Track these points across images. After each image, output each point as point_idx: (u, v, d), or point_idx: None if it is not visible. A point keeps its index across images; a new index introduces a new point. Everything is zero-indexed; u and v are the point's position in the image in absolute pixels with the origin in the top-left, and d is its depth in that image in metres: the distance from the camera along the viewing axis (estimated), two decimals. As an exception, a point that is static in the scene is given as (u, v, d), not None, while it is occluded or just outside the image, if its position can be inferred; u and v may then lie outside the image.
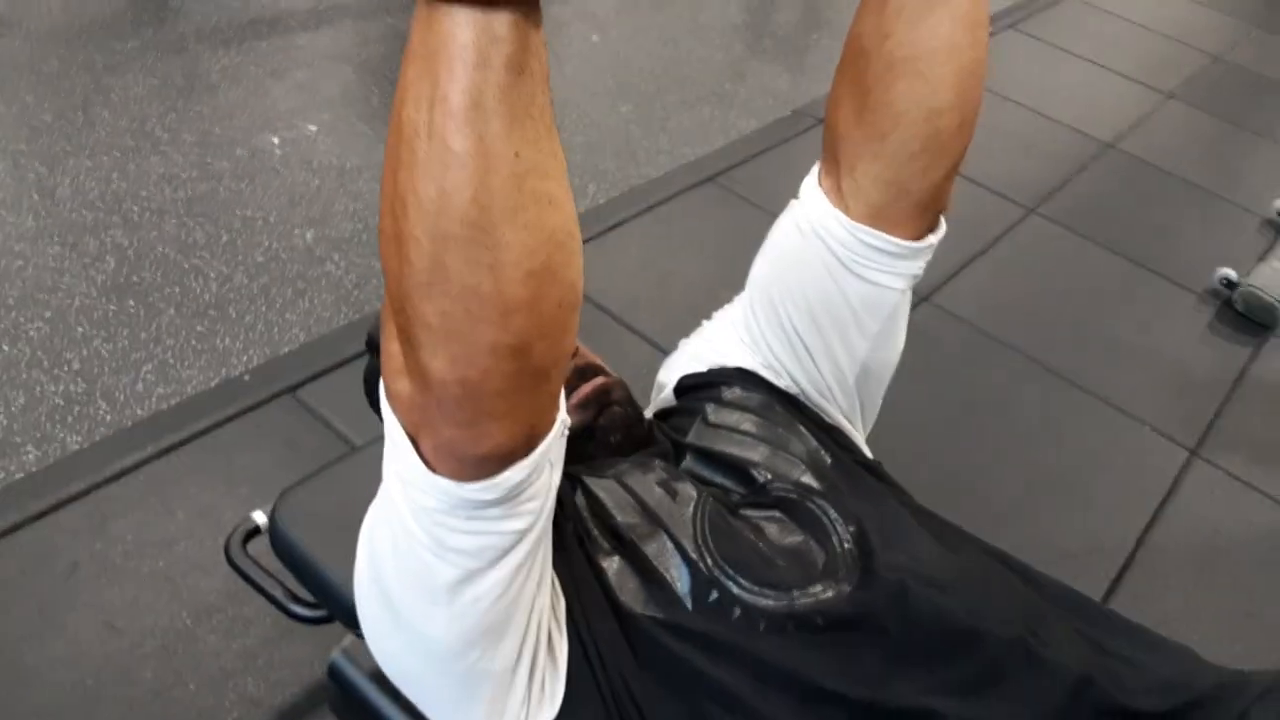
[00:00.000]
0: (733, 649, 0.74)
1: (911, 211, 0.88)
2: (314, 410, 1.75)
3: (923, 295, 2.32)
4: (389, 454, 0.66)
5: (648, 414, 1.05)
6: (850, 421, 0.99)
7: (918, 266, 0.92)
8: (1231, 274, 2.49)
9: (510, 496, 0.63)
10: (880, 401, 1.03)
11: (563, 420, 0.65)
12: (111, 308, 1.89)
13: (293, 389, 1.79)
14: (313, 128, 2.50)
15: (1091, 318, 2.41)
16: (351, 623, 1.07)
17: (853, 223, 0.88)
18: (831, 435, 0.95)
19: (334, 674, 1.35)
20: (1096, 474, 1.97)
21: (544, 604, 0.74)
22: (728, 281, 1.10)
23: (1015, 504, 1.82)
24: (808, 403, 0.97)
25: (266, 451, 1.66)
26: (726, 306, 1.07)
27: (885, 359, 0.98)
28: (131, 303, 1.91)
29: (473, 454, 0.61)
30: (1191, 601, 1.71)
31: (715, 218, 2.45)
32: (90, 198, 2.14)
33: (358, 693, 1.33)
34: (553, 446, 0.65)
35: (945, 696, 0.71)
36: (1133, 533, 1.82)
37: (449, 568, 0.66)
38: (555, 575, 0.77)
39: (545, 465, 0.65)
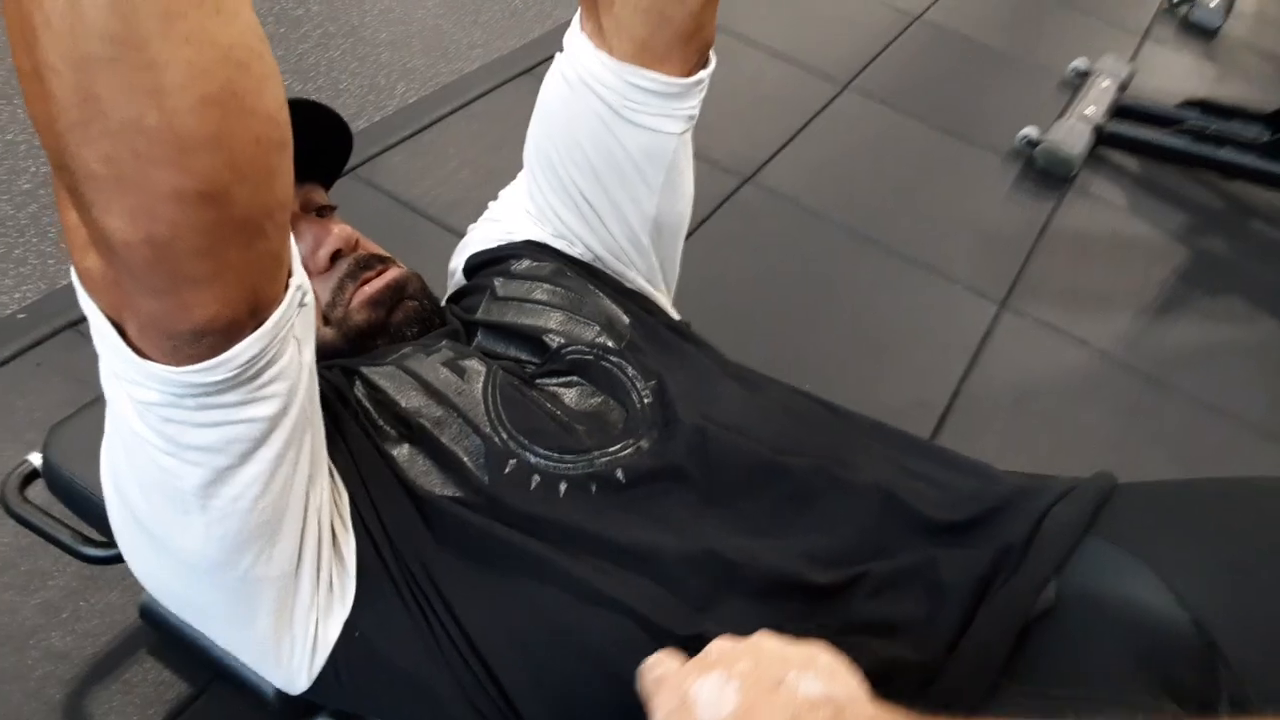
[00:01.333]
0: (536, 518, 0.71)
1: (675, 43, 0.84)
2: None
3: (745, 175, 2.32)
4: (99, 349, 0.58)
5: (442, 304, 1.00)
6: (652, 284, 0.97)
7: (691, 106, 0.89)
8: (1032, 133, 2.58)
9: (245, 377, 0.56)
10: (679, 258, 1.00)
11: (299, 287, 0.59)
12: None
13: (75, 323, 1.63)
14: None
15: (905, 187, 2.46)
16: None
17: (619, 63, 0.84)
18: (633, 299, 0.93)
19: (146, 615, 1.26)
20: (915, 335, 2.03)
21: (322, 500, 0.69)
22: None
23: (839, 367, 1.86)
24: (605, 269, 0.94)
25: (52, 392, 1.52)
26: (505, 190, 1.02)
27: (675, 211, 0.95)
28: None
29: (183, 329, 0.53)
30: (1008, 440, 1.80)
31: (486, 141, 2.36)
32: None
33: (173, 628, 1.25)
34: (292, 318, 0.58)
35: (754, 536, 0.70)
36: (950, 384, 1.89)
37: (193, 469, 0.59)
38: (335, 469, 0.71)
39: (287, 341, 0.58)
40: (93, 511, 1.02)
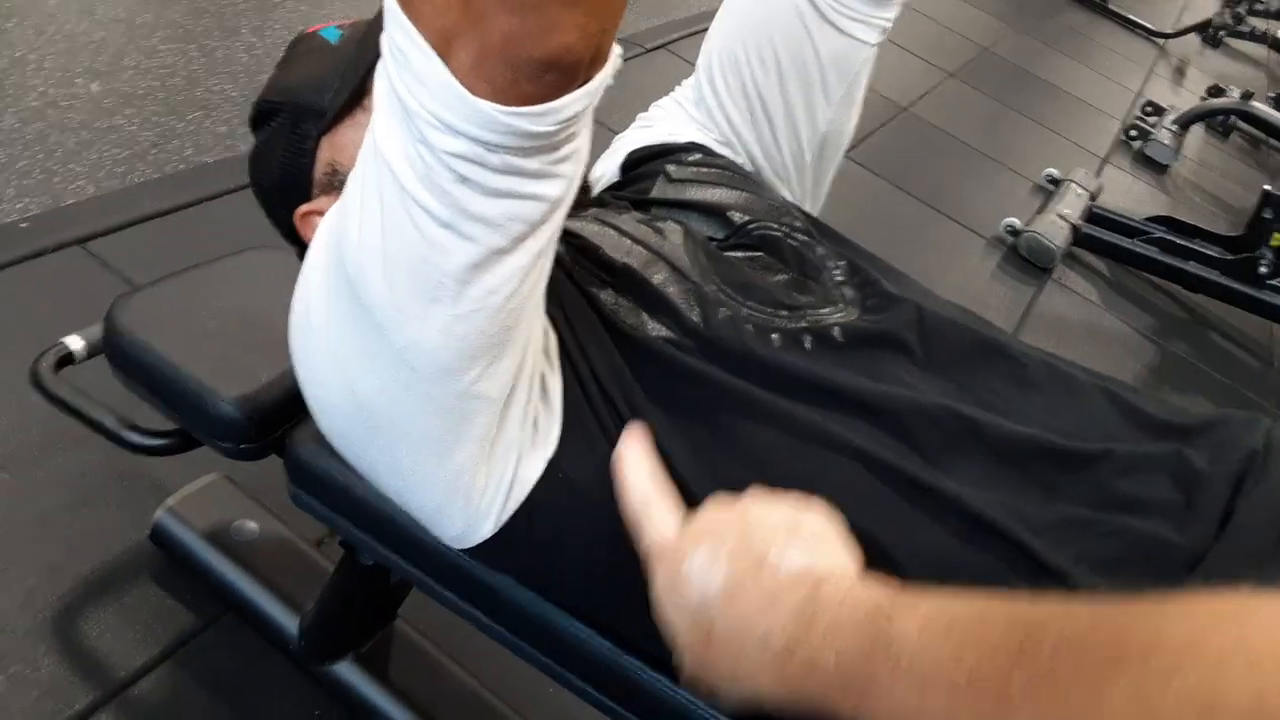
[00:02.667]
0: (754, 361, 0.67)
1: None
2: (108, 263, 1.51)
3: (753, 215, 2.35)
4: (389, 100, 0.52)
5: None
6: (800, 205, 0.96)
7: (888, 17, 0.90)
8: (1016, 222, 2.70)
9: (556, 140, 0.52)
10: (828, 186, 1.00)
11: (619, 54, 0.55)
12: None
13: (82, 240, 1.53)
14: (93, -24, 2.17)
15: (894, 252, 2.49)
16: (225, 439, 0.90)
17: None
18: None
19: (158, 536, 1.17)
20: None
21: (538, 330, 0.64)
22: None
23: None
24: (762, 181, 0.93)
25: (53, 301, 1.41)
26: (663, 99, 1.00)
27: (842, 130, 0.95)
28: None
29: (535, 54, 0.48)
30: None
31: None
32: None
33: (188, 554, 1.16)
34: (606, 85, 0.54)
35: (984, 409, 0.68)
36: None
37: (465, 245, 0.54)
38: (543, 303, 0.66)
39: (589, 112, 0.55)
40: (161, 384, 0.92)
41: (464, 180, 0.52)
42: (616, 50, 0.54)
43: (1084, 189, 3.02)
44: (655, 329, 0.68)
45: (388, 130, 0.53)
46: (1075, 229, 2.77)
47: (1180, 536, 0.60)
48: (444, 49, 0.49)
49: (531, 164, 0.52)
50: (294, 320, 0.65)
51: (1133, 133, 3.85)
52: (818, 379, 0.66)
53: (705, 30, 0.94)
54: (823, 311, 0.73)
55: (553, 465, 0.64)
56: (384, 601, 1.10)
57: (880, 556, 0.58)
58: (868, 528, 0.59)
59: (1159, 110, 4.09)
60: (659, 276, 0.71)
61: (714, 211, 0.81)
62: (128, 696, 1.04)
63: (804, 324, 0.71)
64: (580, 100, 0.51)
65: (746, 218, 0.80)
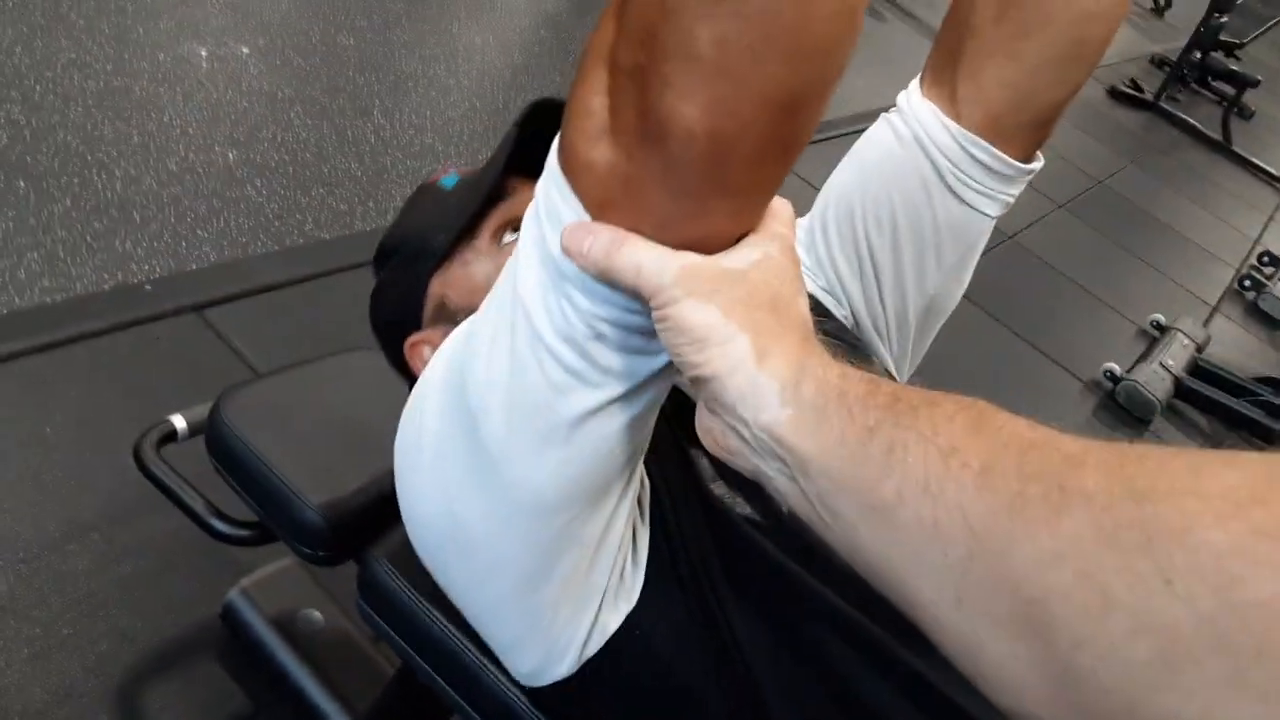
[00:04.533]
0: (834, 565, 0.66)
1: (1027, 127, 0.83)
2: (221, 333, 1.58)
3: (845, 337, 2.35)
4: (537, 251, 0.53)
5: None
6: (898, 367, 0.95)
7: (1013, 193, 0.88)
8: (1116, 368, 2.63)
9: None
10: (926, 349, 0.99)
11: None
12: (-2, 184, 1.66)
13: (199, 308, 1.61)
14: (245, 49, 2.31)
15: (989, 384, 2.49)
16: (296, 538, 0.93)
17: (963, 131, 0.84)
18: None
19: (228, 615, 1.20)
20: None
21: (635, 481, 0.65)
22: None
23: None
24: (860, 338, 0.92)
25: (164, 368, 1.48)
26: None
27: (950, 294, 0.94)
28: (22, 184, 1.68)
29: (685, 237, 0.49)
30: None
31: None
32: (-16, 65, 1.89)
33: (253, 637, 1.18)
34: None
35: None
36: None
37: (587, 393, 0.54)
38: (642, 465, 0.67)
39: None
40: (257, 481, 0.96)
41: (600, 337, 0.52)
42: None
43: (1190, 339, 2.93)
44: (743, 508, 0.68)
45: (529, 278, 0.54)
46: (1178, 381, 2.68)
47: None
48: (598, 215, 0.50)
49: None
50: (403, 438, 0.66)
51: (1247, 283, 3.74)
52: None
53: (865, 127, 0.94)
54: None
55: (631, 620, 0.64)
56: (436, 709, 1.11)
57: None
58: None
59: (1276, 262, 3.97)
60: None
61: None
62: (177, 776, 1.07)
63: None
64: None
65: None
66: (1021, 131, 0.83)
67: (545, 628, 0.63)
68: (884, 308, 0.91)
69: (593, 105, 0.49)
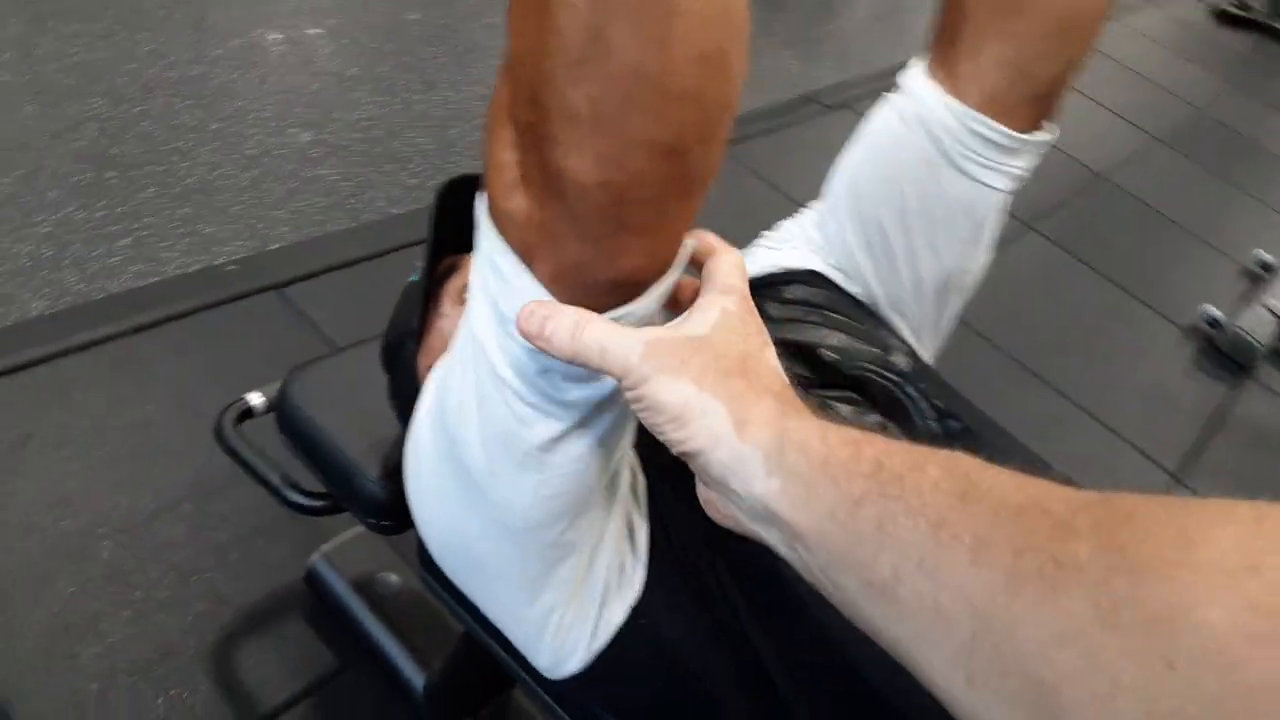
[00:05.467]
0: None
1: (1028, 100, 0.83)
2: (301, 310, 1.64)
3: (922, 288, 2.30)
4: (485, 295, 0.57)
5: None
6: (918, 339, 0.94)
7: (1023, 166, 0.87)
8: (1216, 312, 2.52)
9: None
10: (953, 322, 0.98)
11: (690, 246, 0.57)
12: (88, 176, 1.74)
13: (280, 286, 1.67)
14: (315, 30, 2.37)
15: (1078, 334, 2.41)
16: (365, 511, 0.97)
17: (964, 108, 0.83)
18: (902, 342, 0.90)
19: (312, 579, 1.26)
20: (1078, 479, 1.95)
21: (625, 480, 0.67)
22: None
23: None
24: (878, 313, 0.92)
25: (249, 344, 1.55)
26: (786, 221, 1.00)
27: (967, 269, 0.93)
28: (111, 174, 1.77)
29: (604, 277, 0.52)
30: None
31: (724, 186, 2.39)
32: (72, 62, 1.98)
33: (335, 599, 1.24)
34: (674, 283, 0.57)
35: None
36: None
37: (548, 423, 0.57)
38: (635, 455, 0.69)
39: (660, 301, 0.57)
40: (321, 455, 1.00)
41: (547, 371, 0.55)
42: (688, 242, 0.56)
43: (1299, 277, 2.78)
44: None
45: (481, 319, 0.57)
46: (1284, 322, 2.55)
47: None
48: (527, 260, 0.53)
49: None
50: (407, 463, 0.70)
51: (1366, 214, 3.51)
52: None
53: (885, 88, 0.94)
54: None
55: (636, 611, 0.66)
56: (500, 674, 1.15)
57: None
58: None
59: (1401, 188, 3.71)
60: None
61: (805, 352, 0.82)
62: (269, 729, 1.13)
63: None
64: (652, 301, 0.54)
65: (837, 358, 0.81)
66: (1022, 105, 0.83)
67: (552, 630, 0.66)
68: (898, 282, 0.90)
69: (504, 159, 0.52)
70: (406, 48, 2.44)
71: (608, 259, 0.52)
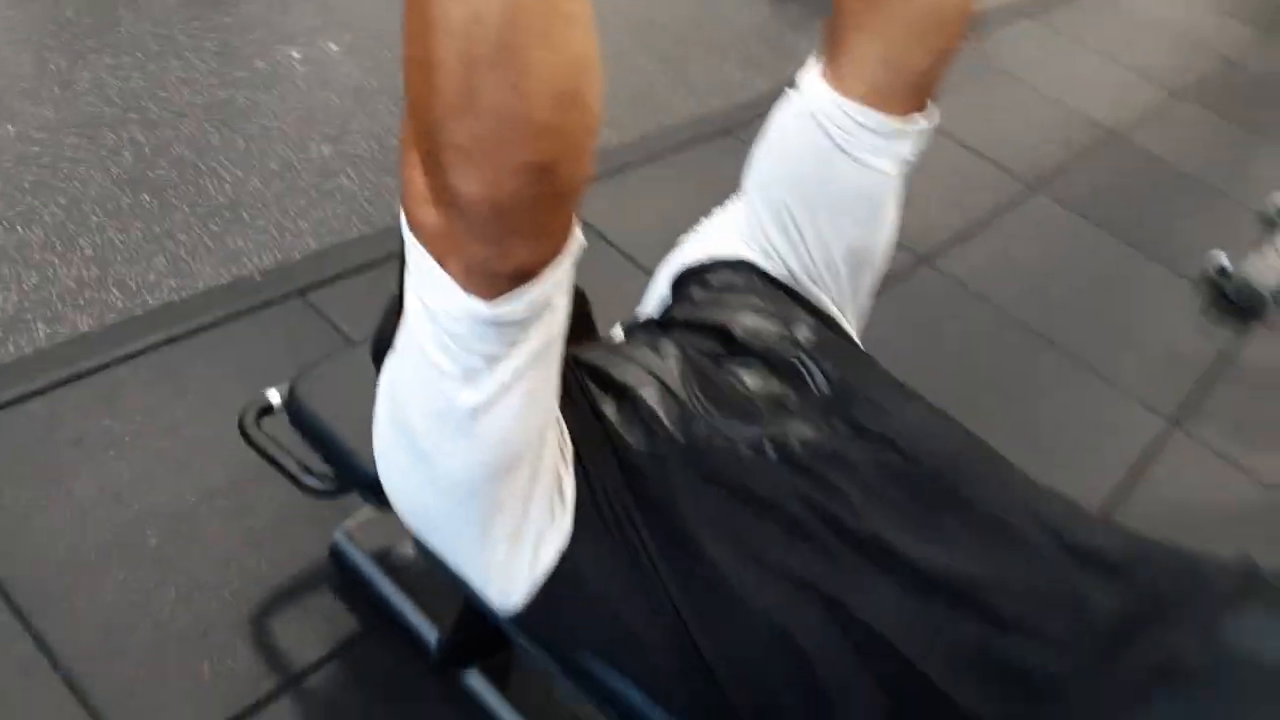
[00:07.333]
0: (720, 474, 0.79)
1: (903, 91, 0.93)
2: (322, 312, 1.78)
3: (922, 256, 2.37)
4: (414, 291, 0.69)
5: (639, 312, 1.10)
6: (840, 310, 1.04)
7: (907, 149, 0.97)
8: (1225, 262, 2.54)
9: (533, 314, 0.67)
10: (870, 293, 1.07)
11: (580, 242, 0.69)
12: (126, 200, 1.90)
13: (303, 291, 1.81)
14: (334, 47, 2.51)
15: (1085, 292, 2.46)
16: (366, 490, 1.10)
17: (849, 102, 0.93)
18: (818, 315, 1.00)
19: (335, 554, 1.39)
20: (1076, 436, 2.02)
21: (552, 441, 0.78)
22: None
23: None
24: (799, 289, 1.02)
25: (275, 347, 1.69)
26: (718, 210, 1.11)
27: (874, 244, 1.03)
28: (146, 197, 1.92)
29: (502, 270, 0.64)
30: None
31: (730, 169, 2.48)
32: (110, 94, 2.14)
33: (357, 571, 1.38)
34: (568, 268, 0.69)
35: (910, 530, 0.77)
36: (1104, 492, 1.87)
37: (473, 393, 0.69)
38: (563, 420, 0.81)
39: (561, 288, 0.69)
40: (325, 442, 1.14)
41: (469, 349, 0.67)
42: (579, 238, 0.69)
43: (1316, 221, 2.77)
44: (640, 441, 0.81)
45: (413, 313, 0.71)
46: (1296, 269, 2.56)
47: (1056, 666, 0.66)
48: (441, 262, 0.66)
49: (514, 333, 0.68)
50: (375, 446, 0.83)
51: (1395, 154, 3.45)
52: (772, 501, 0.77)
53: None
54: (790, 425, 0.82)
55: (565, 554, 0.78)
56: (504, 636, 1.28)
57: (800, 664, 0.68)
58: (795, 637, 0.71)
59: None
60: (650, 394, 0.84)
61: (720, 331, 0.94)
62: (302, 687, 1.27)
63: (772, 437, 0.81)
64: (545, 286, 0.67)
65: (746, 335, 0.91)
66: (900, 95, 0.92)
67: (500, 573, 0.79)
68: (813, 262, 1.01)
69: (415, 178, 0.66)
70: (419, 56, 2.56)
71: (503, 257, 0.64)
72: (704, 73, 2.92)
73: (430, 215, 0.66)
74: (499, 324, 0.67)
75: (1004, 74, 3.28)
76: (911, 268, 2.33)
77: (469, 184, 0.61)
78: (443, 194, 0.63)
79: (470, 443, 0.73)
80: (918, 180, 2.88)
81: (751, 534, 0.76)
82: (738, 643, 0.74)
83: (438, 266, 0.66)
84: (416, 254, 0.68)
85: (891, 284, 2.24)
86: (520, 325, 0.68)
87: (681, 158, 2.49)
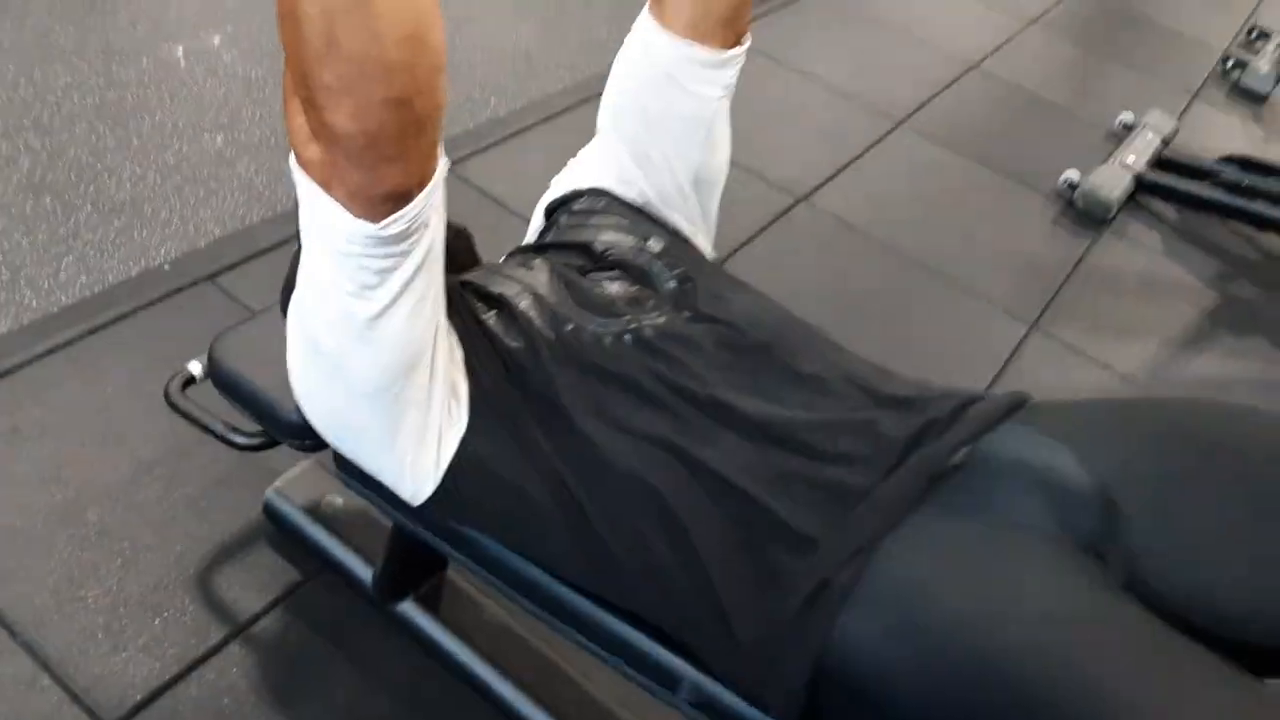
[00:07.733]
0: (587, 362, 0.95)
1: (717, 25, 1.09)
2: (233, 295, 1.87)
3: (799, 196, 2.54)
4: (309, 223, 0.82)
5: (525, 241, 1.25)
6: (692, 227, 1.20)
7: (728, 76, 1.13)
8: (1074, 176, 2.77)
9: (411, 230, 0.80)
10: (715, 209, 1.24)
11: (444, 165, 0.83)
12: (29, 204, 1.96)
13: (212, 276, 1.90)
14: (216, 38, 2.56)
15: (951, 217, 2.66)
16: (293, 437, 1.21)
17: (674, 38, 1.09)
18: (670, 233, 1.16)
19: (269, 510, 1.51)
20: (947, 346, 2.22)
21: (444, 347, 0.92)
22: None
23: (877, 369, 2.05)
24: (654, 212, 1.17)
25: (191, 330, 1.76)
26: (583, 148, 1.26)
27: (712, 166, 1.19)
28: (48, 200, 1.98)
29: (378, 193, 0.77)
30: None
31: None
32: (-2, 104, 2.18)
33: (291, 524, 1.49)
34: (438, 188, 0.82)
35: (748, 393, 0.93)
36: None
37: (367, 304, 0.83)
38: (453, 331, 0.95)
39: (435, 206, 0.83)
40: (249, 398, 1.25)
41: (361, 266, 0.81)
42: (443, 161, 0.82)
43: (1156, 132, 3.02)
44: (518, 342, 0.95)
45: (310, 238, 0.84)
46: (1139, 178, 2.80)
47: (860, 480, 0.84)
48: (327, 189, 0.79)
49: (399, 247, 0.82)
50: (289, 371, 0.96)
51: (1230, 63, 3.74)
52: (624, 370, 0.93)
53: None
54: (643, 318, 0.98)
55: (464, 442, 0.93)
56: (431, 554, 1.41)
57: (660, 506, 0.84)
58: (655, 485, 0.86)
59: (1265, 35, 3.94)
60: (524, 303, 0.99)
61: (583, 248, 1.10)
62: (250, 633, 1.39)
63: (630, 327, 0.97)
64: (420, 203, 0.81)
65: (606, 249, 1.07)
66: (715, 30, 1.08)
67: (409, 465, 0.93)
68: (663, 182, 1.16)
69: (298, 122, 0.79)
70: (303, 43, 2.62)
71: (377, 181, 0.78)
72: (579, 37, 3.04)
73: (313, 151, 0.78)
74: (383, 240, 0.80)
75: (873, 21, 3.48)
76: (790, 206, 2.50)
77: (341, 118, 0.74)
78: (321, 130, 0.76)
79: (372, 349, 0.86)
80: (793, 126, 3.07)
81: (615, 407, 0.91)
82: (612, 497, 0.89)
83: (325, 195, 0.79)
84: (306, 188, 0.81)
85: (773, 223, 2.44)
86: (402, 239, 0.80)
87: (564, 119, 2.61)
